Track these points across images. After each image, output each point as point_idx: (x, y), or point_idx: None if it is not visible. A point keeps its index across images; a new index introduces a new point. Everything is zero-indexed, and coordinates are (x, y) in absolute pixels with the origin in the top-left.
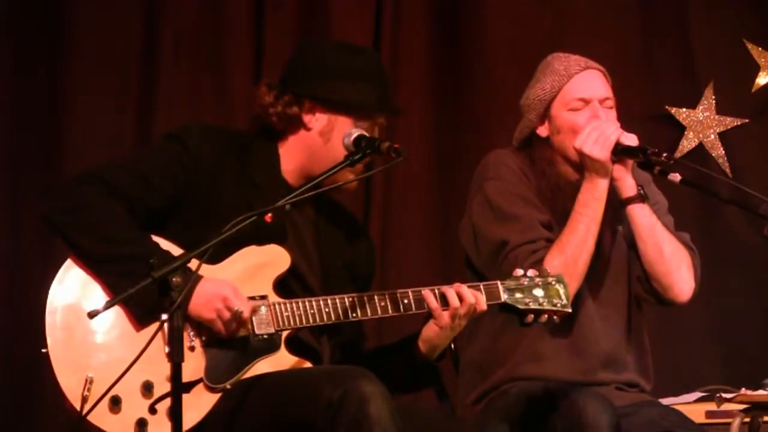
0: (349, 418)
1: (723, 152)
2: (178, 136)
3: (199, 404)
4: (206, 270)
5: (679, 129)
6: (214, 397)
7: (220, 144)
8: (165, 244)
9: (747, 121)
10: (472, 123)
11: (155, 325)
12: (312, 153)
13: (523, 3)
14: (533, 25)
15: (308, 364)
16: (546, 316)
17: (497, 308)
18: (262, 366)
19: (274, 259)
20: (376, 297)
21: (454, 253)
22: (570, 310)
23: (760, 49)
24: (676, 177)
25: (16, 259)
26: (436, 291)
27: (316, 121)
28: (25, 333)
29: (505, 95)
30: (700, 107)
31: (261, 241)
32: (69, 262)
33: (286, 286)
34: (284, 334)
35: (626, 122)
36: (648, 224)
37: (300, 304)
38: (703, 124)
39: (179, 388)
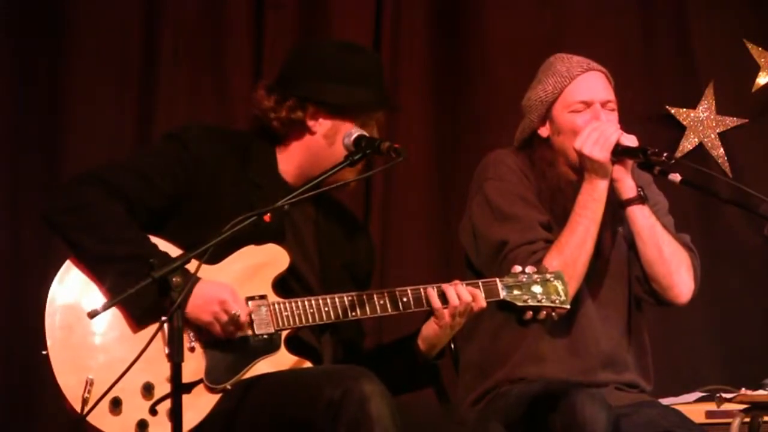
0: (349, 418)
1: (723, 152)
2: (178, 135)
3: (199, 405)
4: (205, 270)
5: (679, 129)
6: (215, 398)
7: (219, 144)
8: (164, 245)
9: (747, 121)
10: (472, 123)
11: (155, 326)
12: (315, 155)
13: (523, 3)
14: (533, 25)
15: (308, 364)
16: (544, 312)
17: (496, 306)
18: (262, 366)
19: (273, 258)
20: (375, 296)
21: (454, 253)
22: (569, 307)
23: (760, 49)
24: (676, 177)
25: (16, 259)
26: (436, 289)
27: (320, 125)
28: (25, 333)
29: (505, 95)
30: (700, 107)
31: (260, 241)
32: (69, 263)
33: (285, 285)
34: (284, 333)
35: (626, 122)
36: (648, 225)
37: (299, 303)
38: (703, 124)
39: (179, 388)
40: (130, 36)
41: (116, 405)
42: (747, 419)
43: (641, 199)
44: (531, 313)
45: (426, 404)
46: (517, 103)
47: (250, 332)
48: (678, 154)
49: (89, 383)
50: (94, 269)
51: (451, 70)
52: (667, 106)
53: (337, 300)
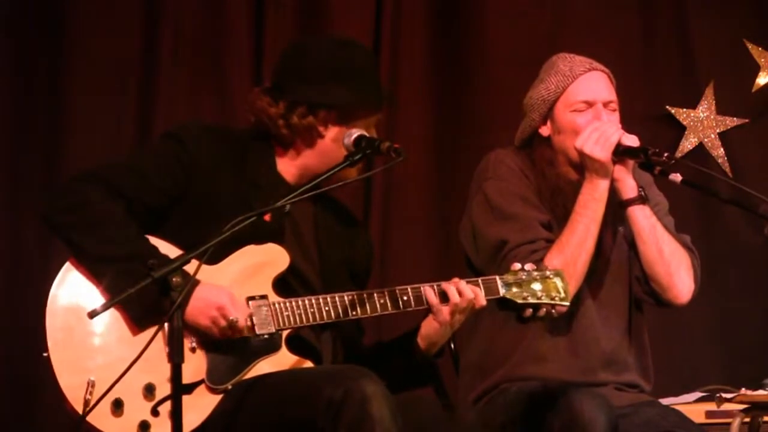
0: (350, 418)
1: (723, 152)
2: (176, 134)
3: (200, 405)
4: (205, 270)
5: (679, 129)
6: (216, 398)
7: (218, 143)
8: (164, 247)
9: (747, 121)
10: (472, 123)
11: (156, 327)
12: (324, 157)
13: (523, 3)
14: (533, 25)
15: (309, 364)
16: (544, 309)
17: (496, 305)
18: (264, 366)
19: (274, 258)
20: (375, 295)
21: (454, 252)
22: (568, 304)
23: (760, 49)
24: (676, 177)
25: (16, 260)
26: (435, 287)
27: (329, 128)
28: (25, 334)
29: (505, 95)
30: (700, 107)
31: (259, 240)
32: (69, 264)
33: (285, 284)
34: (285, 333)
35: (627, 122)
36: (648, 225)
37: (300, 303)
38: (703, 124)
39: (179, 389)
40: (130, 36)
41: (118, 406)
42: (747, 419)
43: (642, 199)
44: (531, 310)
45: (426, 404)
46: (517, 103)
47: (250, 332)
48: (678, 154)
49: (90, 384)
50: (94, 269)
51: (451, 70)
52: (667, 106)
53: (337, 299)
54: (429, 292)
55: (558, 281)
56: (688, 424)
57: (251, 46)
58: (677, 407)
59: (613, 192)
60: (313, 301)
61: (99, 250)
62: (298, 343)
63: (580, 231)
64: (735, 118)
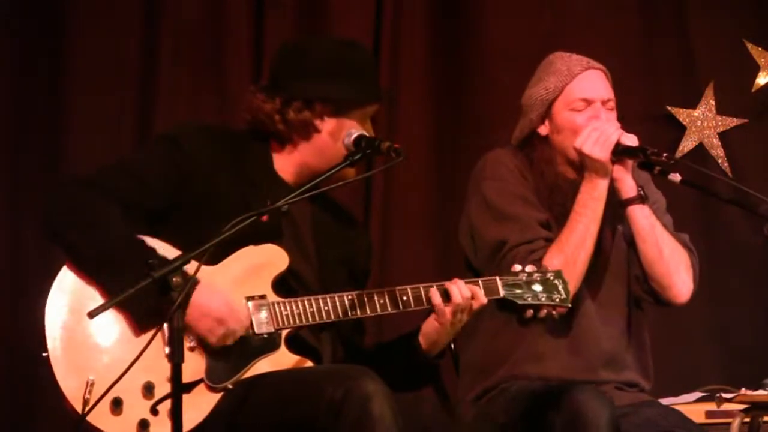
0: (351, 418)
1: (723, 152)
2: (172, 136)
3: (200, 404)
4: (205, 271)
5: (679, 129)
6: (216, 397)
7: (214, 143)
8: (162, 248)
9: (747, 121)
10: (472, 123)
11: (155, 327)
12: (321, 153)
13: (522, 3)
14: (533, 25)
15: (309, 363)
16: (545, 310)
17: (497, 305)
18: (263, 365)
19: (273, 258)
20: (375, 295)
21: (453, 253)
22: (569, 305)
23: (760, 49)
24: (676, 177)
25: (16, 260)
26: (437, 287)
27: (326, 123)
28: (25, 335)
29: (505, 95)
30: (700, 107)
31: (257, 241)
32: (69, 264)
33: (284, 284)
34: (284, 333)
35: (626, 122)
36: (648, 225)
37: (299, 303)
38: (703, 124)
39: (179, 388)
40: (130, 36)
41: (117, 405)
42: (747, 419)
43: (642, 199)
44: (532, 311)
45: (427, 403)
46: (516, 103)
47: (250, 332)
48: (678, 154)
49: (90, 384)
50: (93, 272)
51: (451, 70)
52: (667, 106)
53: (337, 299)
54: (433, 291)
55: (559, 283)
56: (688, 424)
57: (251, 46)
58: (677, 407)
59: (613, 191)
60: (313, 301)
61: (96, 252)
62: (297, 342)
63: (580, 230)
64: (735, 118)
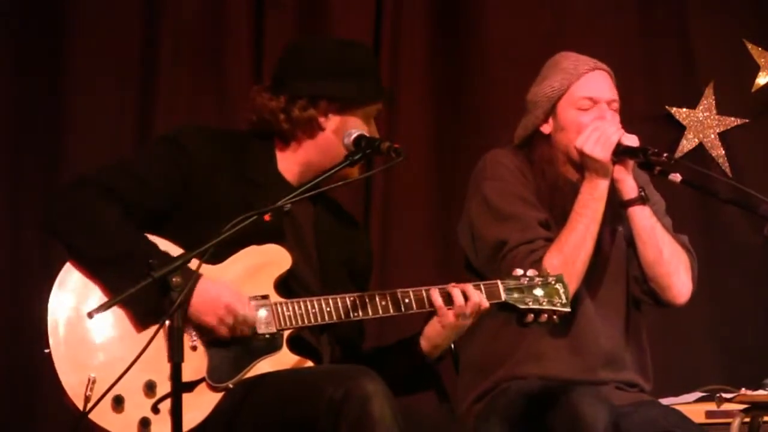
0: (351, 418)
1: (723, 152)
2: (174, 137)
3: (201, 403)
4: (207, 270)
5: (679, 129)
6: (217, 397)
7: (215, 144)
8: (164, 245)
9: (747, 121)
10: (472, 123)
11: (157, 325)
12: (325, 151)
13: (522, 3)
14: (533, 25)
15: (310, 363)
16: (546, 315)
17: (497, 308)
18: (264, 365)
19: (275, 258)
20: (377, 296)
21: (454, 253)
22: (569, 310)
23: (760, 49)
24: (676, 177)
25: (16, 260)
26: (440, 290)
27: (330, 121)
28: (26, 334)
29: (506, 95)
30: (700, 107)
31: (259, 240)
32: (70, 263)
33: (286, 285)
34: (286, 333)
35: (627, 122)
36: (648, 226)
37: (301, 303)
38: (703, 124)
39: (179, 388)
40: (130, 36)
41: (118, 403)
42: (747, 419)
43: (642, 200)
44: (532, 315)
45: (427, 404)
46: (516, 103)
47: (252, 332)
48: (678, 154)
49: (91, 381)
50: (94, 271)
51: (451, 70)
52: (667, 106)
53: (339, 300)
54: (434, 294)
55: (560, 287)
56: (688, 424)
57: (251, 46)
58: (677, 407)
59: (613, 192)
60: (315, 302)
61: (99, 251)
62: (298, 343)
63: (580, 230)
64: (735, 118)
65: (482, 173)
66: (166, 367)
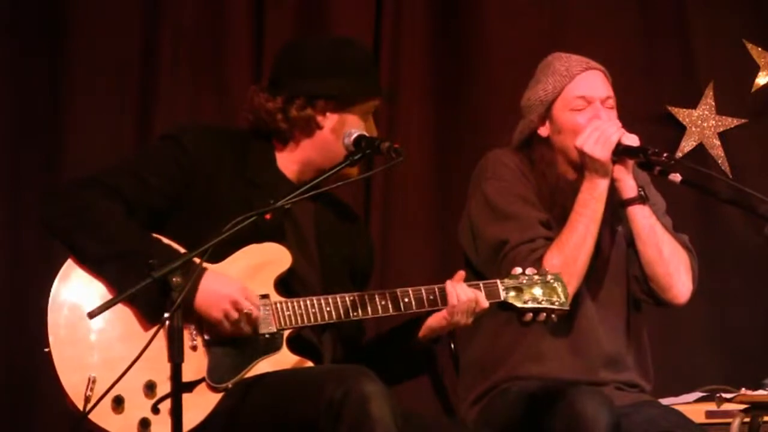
0: (350, 418)
1: (723, 152)
2: (175, 136)
3: (201, 404)
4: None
5: (679, 129)
6: (217, 397)
7: (217, 143)
8: (165, 241)
9: (747, 121)
10: (472, 123)
11: (157, 325)
12: (323, 150)
13: (522, 3)
14: (533, 25)
15: (310, 363)
16: (545, 314)
17: (496, 307)
18: (264, 365)
19: (275, 258)
20: (377, 296)
21: (454, 253)
22: (568, 308)
23: (760, 49)
24: (676, 177)
25: (17, 260)
26: (437, 289)
27: (328, 119)
28: (26, 333)
29: (505, 95)
30: (700, 107)
31: (260, 239)
32: (71, 261)
33: (286, 284)
34: (286, 333)
35: (626, 122)
36: (648, 225)
37: (301, 303)
38: (703, 124)
39: (179, 388)
40: (130, 36)
41: (118, 403)
42: (747, 419)
43: (642, 199)
44: (531, 314)
45: (427, 404)
46: (516, 103)
47: (252, 332)
48: (678, 154)
49: (92, 381)
50: (96, 270)
51: (451, 70)
52: (667, 106)
53: (338, 300)
54: (449, 290)
55: (558, 286)
56: (689, 424)
57: (251, 46)
58: (677, 407)
59: (613, 191)
60: (315, 301)
61: (100, 250)
62: (299, 343)
63: (580, 230)
64: (735, 118)
65: (483, 173)
66: (166, 368)
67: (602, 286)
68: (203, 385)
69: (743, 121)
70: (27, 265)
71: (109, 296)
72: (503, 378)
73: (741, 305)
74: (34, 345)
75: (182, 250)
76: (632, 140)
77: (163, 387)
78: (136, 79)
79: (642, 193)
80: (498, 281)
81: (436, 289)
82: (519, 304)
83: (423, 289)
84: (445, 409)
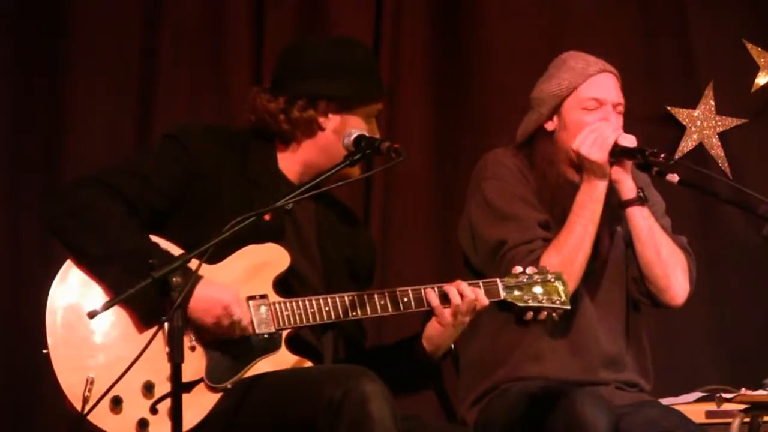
0: (350, 418)
1: (723, 152)
2: (176, 136)
3: (200, 404)
4: (206, 270)
5: (679, 129)
6: (215, 397)
7: (218, 143)
8: (165, 244)
9: (747, 121)
10: (472, 123)
11: (156, 326)
12: (325, 151)
13: (523, 3)
14: (533, 25)
15: (309, 363)
16: (545, 313)
17: (497, 306)
18: (263, 365)
19: (274, 258)
20: (376, 295)
21: (454, 253)
22: (569, 307)
23: (760, 49)
24: (674, 177)
25: (16, 259)
26: (437, 289)
27: (330, 120)
28: (25, 333)
29: (506, 95)
30: (700, 107)
31: (260, 240)
32: (70, 262)
33: (286, 284)
34: (284, 333)
35: (626, 122)
36: (646, 227)
37: (300, 303)
38: (703, 124)
39: (179, 388)
40: (130, 36)
41: (117, 404)
42: (747, 419)
43: (641, 200)
44: (531, 313)
45: (427, 404)
46: (517, 103)
47: (250, 332)
48: (678, 154)
49: (90, 382)
50: (96, 270)
51: (451, 70)
52: (667, 106)
53: (337, 300)
54: (430, 293)
55: (559, 285)
56: (689, 424)
57: (251, 46)
58: (677, 407)
59: (611, 192)
60: (313, 301)
61: (101, 250)
62: (298, 343)
63: (578, 231)
64: (735, 118)
65: (482, 173)
66: (165, 368)
67: (601, 287)
68: (201, 385)
69: (743, 121)
70: (27, 265)
71: (107, 297)
72: (503, 378)
73: (741, 305)
74: (34, 345)
75: (180, 253)
76: (629, 141)
77: (162, 387)
78: (136, 79)
79: (641, 194)
80: (498, 280)
81: (436, 288)
82: (519, 303)
83: (423, 288)
84: (444, 410)
